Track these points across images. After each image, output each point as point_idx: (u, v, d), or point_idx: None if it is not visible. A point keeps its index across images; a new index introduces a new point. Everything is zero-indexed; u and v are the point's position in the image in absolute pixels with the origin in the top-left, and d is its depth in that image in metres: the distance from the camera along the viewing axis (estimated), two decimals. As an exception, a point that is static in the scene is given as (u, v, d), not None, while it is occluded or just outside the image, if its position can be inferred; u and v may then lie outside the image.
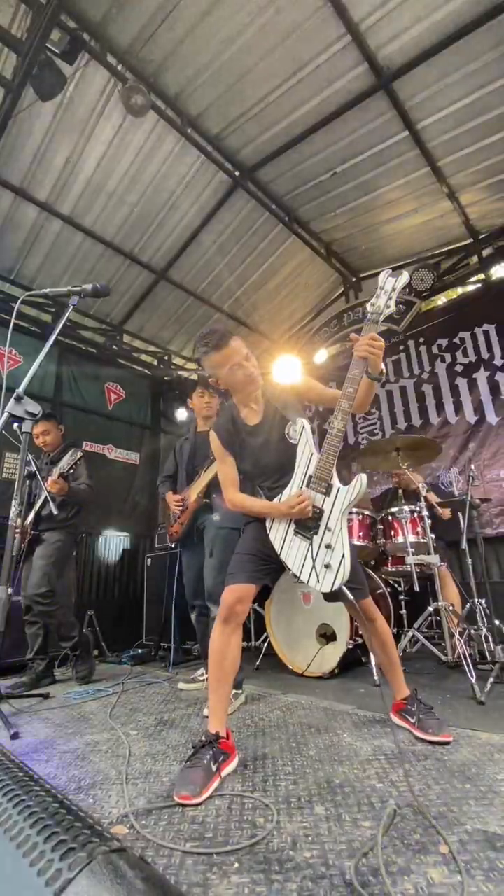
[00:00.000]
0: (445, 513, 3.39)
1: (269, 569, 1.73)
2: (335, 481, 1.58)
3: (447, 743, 1.60)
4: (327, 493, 1.57)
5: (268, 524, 1.71)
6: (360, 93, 3.48)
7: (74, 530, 3.20)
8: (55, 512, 2.89)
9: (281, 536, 1.66)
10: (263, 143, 3.92)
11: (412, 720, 1.71)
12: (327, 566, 1.52)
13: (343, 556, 1.50)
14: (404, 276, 1.63)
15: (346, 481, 1.57)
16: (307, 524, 1.59)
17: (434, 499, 3.49)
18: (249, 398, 1.81)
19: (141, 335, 5.79)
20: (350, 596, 1.53)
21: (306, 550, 1.59)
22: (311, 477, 1.63)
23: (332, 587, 1.51)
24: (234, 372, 1.72)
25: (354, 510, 3.30)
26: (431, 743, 1.61)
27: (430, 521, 2.96)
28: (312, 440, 1.68)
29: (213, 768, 1.37)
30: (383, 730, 1.80)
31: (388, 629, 1.85)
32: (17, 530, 2.92)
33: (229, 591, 1.64)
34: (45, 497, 2.91)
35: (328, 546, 1.54)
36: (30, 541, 3.03)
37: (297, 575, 1.59)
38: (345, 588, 1.51)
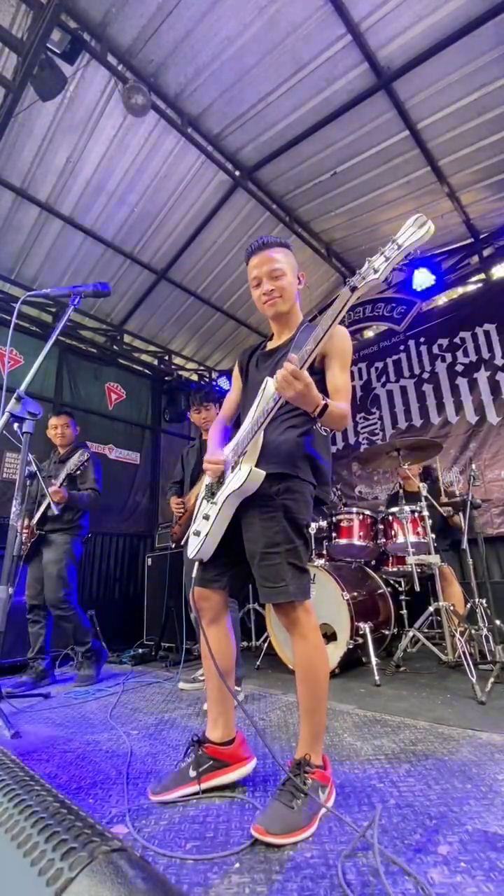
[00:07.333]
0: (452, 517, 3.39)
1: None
2: (245, 461, 1.37)
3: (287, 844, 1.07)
4: (233, 469, 1.43)
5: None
6: (361, 92, 3.47)
7: (81, 532, 3.20)
8: (56, 512, 2.94)
9: (206, 489, 1.56)
10: (264, 142, 3.91)
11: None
12: (196, 533, 1.49)
13: (207, 534, 1.43)
14: (427, 225, 1.10)
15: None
16: (213, 489, 1.50)
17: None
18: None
19: (141, 335, 5.79)
20: (193, 574, 1.48)
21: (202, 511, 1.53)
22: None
23: (191, 555, 1.48)
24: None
25: (355, 510, 3.32)
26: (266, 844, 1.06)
27: (431, 522, 2.97)
28: (262, 405, 1.38)
29: (192, 774, 1.32)
30: (383, 729, 1.80)
31: (318, 656, 1.34)
32: (25, 529, 2.98)
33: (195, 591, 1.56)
34: (49, 500, 2.94)
35: (206, 517, 1.47)
36: (35, 541, 3.05)
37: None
38: (198, 565, 1.48)
